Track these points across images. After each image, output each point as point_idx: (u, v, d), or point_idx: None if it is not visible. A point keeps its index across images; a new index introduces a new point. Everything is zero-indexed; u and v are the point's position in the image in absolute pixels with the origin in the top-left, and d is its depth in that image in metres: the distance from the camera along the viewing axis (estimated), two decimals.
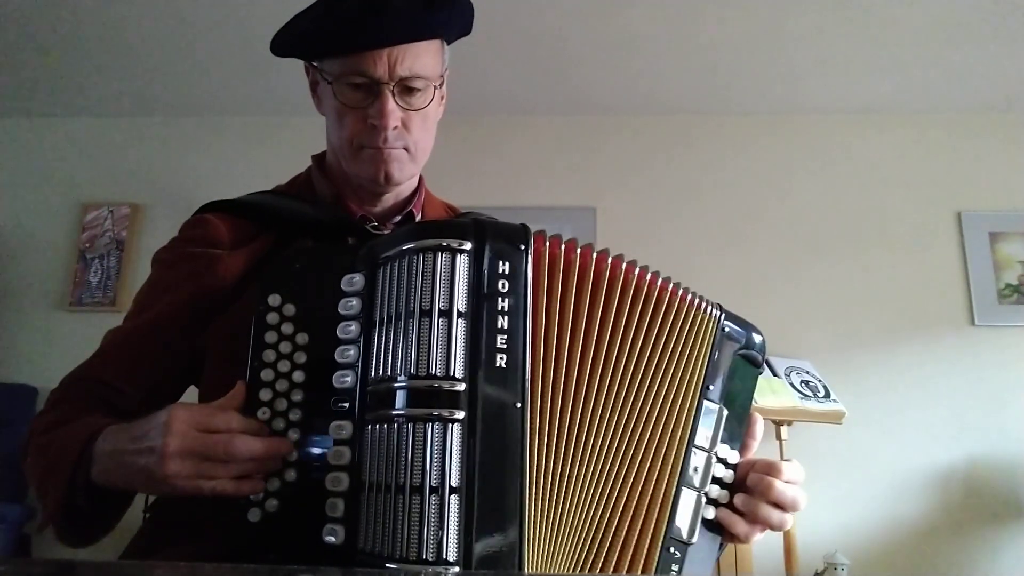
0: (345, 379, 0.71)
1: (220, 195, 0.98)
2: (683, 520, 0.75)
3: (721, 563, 2.39)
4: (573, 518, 0.70)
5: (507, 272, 0.71)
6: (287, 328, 0.73)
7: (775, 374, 2.76)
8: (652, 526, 0.73)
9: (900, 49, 2.77)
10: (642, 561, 0.72)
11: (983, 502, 2.78)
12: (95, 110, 3.42)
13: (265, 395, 0.72)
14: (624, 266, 0.76)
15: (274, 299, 0.74)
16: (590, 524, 0.71)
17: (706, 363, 0.78)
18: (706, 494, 0.77)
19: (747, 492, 0.77)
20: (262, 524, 0.69)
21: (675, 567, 0.74)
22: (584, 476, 0.71)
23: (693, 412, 0.76)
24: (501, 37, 2.74)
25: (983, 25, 2.60)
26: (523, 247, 0.72)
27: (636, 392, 0.74)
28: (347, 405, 0.70)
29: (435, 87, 0.92)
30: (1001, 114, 3.17)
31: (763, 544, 2.54)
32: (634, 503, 0.73)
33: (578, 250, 0.75)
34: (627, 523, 0.72)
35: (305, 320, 0.74)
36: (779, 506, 0.76)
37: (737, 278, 3.01)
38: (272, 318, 0.74)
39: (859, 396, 2.85)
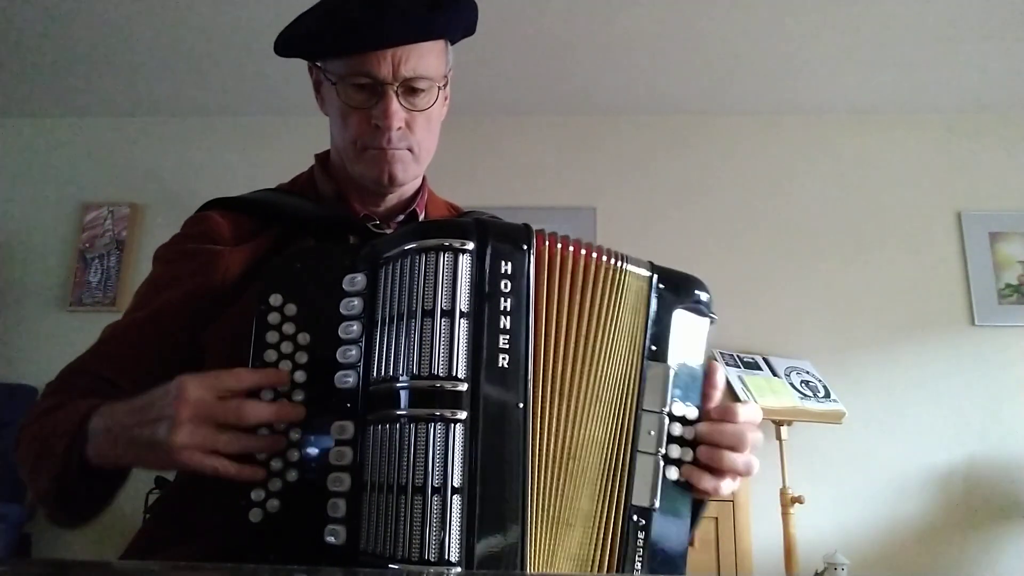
0: (347, 379, 0.71)
1: (220, 195, 0.97)
2: (642, 486, 0.73)
3: (721, 563, 2.39)
4: (577, 516, 0.70)
5: (509, 272, 0.70)
6: (288, 328, 0.73)
7: (775, 374, 2.76)
8: (612, 497, 0.72)
9: (900, 49, 2.77)
10: (607, 533, 0.72)
11: (983, 502, 2.78)
12: (95, 110, 3.41)
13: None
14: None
15: (275, 299, 0.74)
16: (592, 520, 0.71)
17: (643, 325, 0.76)
18: (664, 456, 0.75)
19: (706, 444, 0.77)
20: (263, 524, 0.69)
21: (641, 534, 0.73)
22: (586, 474, 0.71)
23: (637, 376, 0.75)
24: (501, 37, 2.73)
25: (983, 25, 2.60)
26: (525, 247, 0.72)
27: (589, 374, 0.73)
28: (349, 405, 0.70)
29: (439, 88, 0.91)
30: (1001, 114, 3.17)
31: (763, 544, 2.54)
32: (596, 477, 0.72)
33: (582, 250, 0.75)
34: (590, 498, 0.72)
35: (306, 320, 0.73)
36: (738, 449, 0.76)
37: (737, 278, 3.00)
38: (273, 318, 0.73)
39: (859, 396, 2.85)
